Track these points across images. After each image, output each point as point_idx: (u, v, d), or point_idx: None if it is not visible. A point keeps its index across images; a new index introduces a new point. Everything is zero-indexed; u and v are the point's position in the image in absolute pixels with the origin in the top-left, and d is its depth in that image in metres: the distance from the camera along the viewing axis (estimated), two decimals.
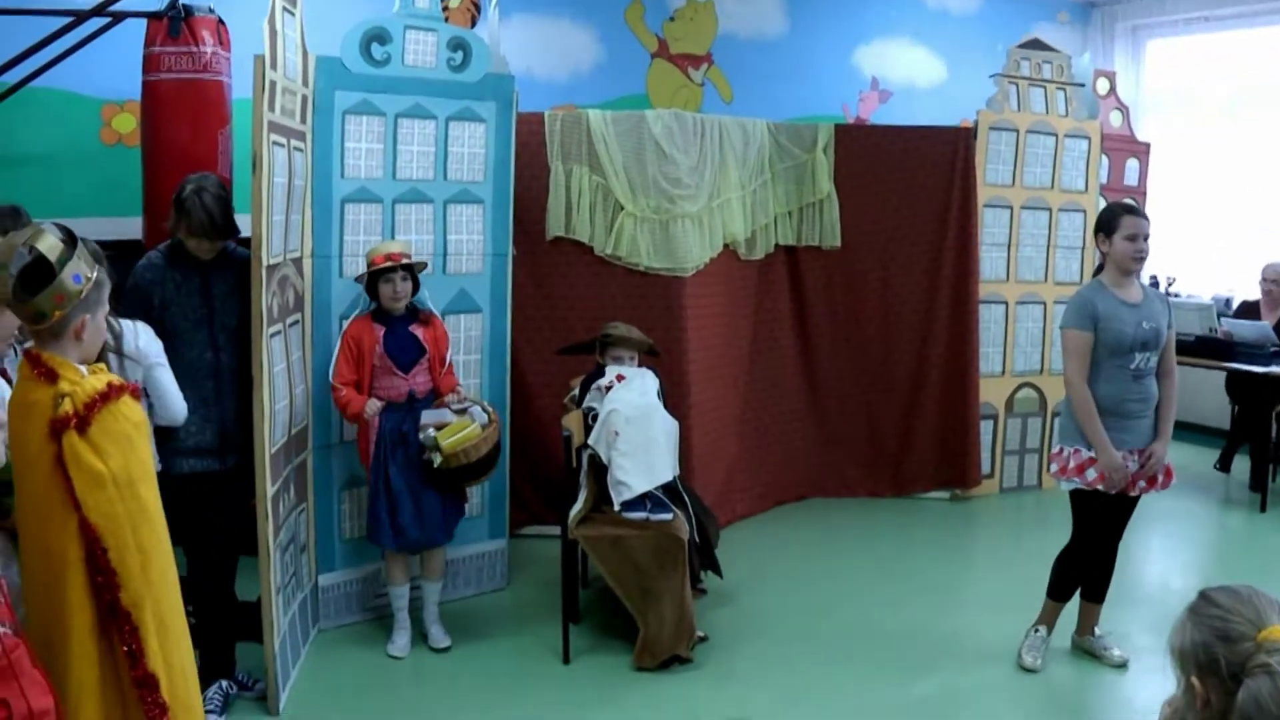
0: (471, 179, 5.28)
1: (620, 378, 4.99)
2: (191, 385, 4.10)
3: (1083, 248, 7.56)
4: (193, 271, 4.21)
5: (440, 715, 4.33)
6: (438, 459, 4.57)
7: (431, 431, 4.61)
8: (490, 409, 4.84)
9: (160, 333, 4.02)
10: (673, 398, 5.29)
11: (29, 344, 2.89)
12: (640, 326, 5.33)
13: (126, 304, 4.06)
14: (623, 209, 6.21)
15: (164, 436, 4.04)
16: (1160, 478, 4.60)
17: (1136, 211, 4.54)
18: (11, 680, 2.38)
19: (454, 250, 5.27)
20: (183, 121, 5.35)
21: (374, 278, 4.69)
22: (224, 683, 4.25)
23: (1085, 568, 4.75)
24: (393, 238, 5.02)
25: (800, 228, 7.06)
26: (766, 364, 7.05)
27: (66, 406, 2.64)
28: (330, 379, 4.68)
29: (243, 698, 4.32)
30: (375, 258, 4.67)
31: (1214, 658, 1.94)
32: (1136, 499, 4.65)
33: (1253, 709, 1.84)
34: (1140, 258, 4.49)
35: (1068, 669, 4.78)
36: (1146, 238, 4.47)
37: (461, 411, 4.75)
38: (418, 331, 4.79)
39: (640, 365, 5.17)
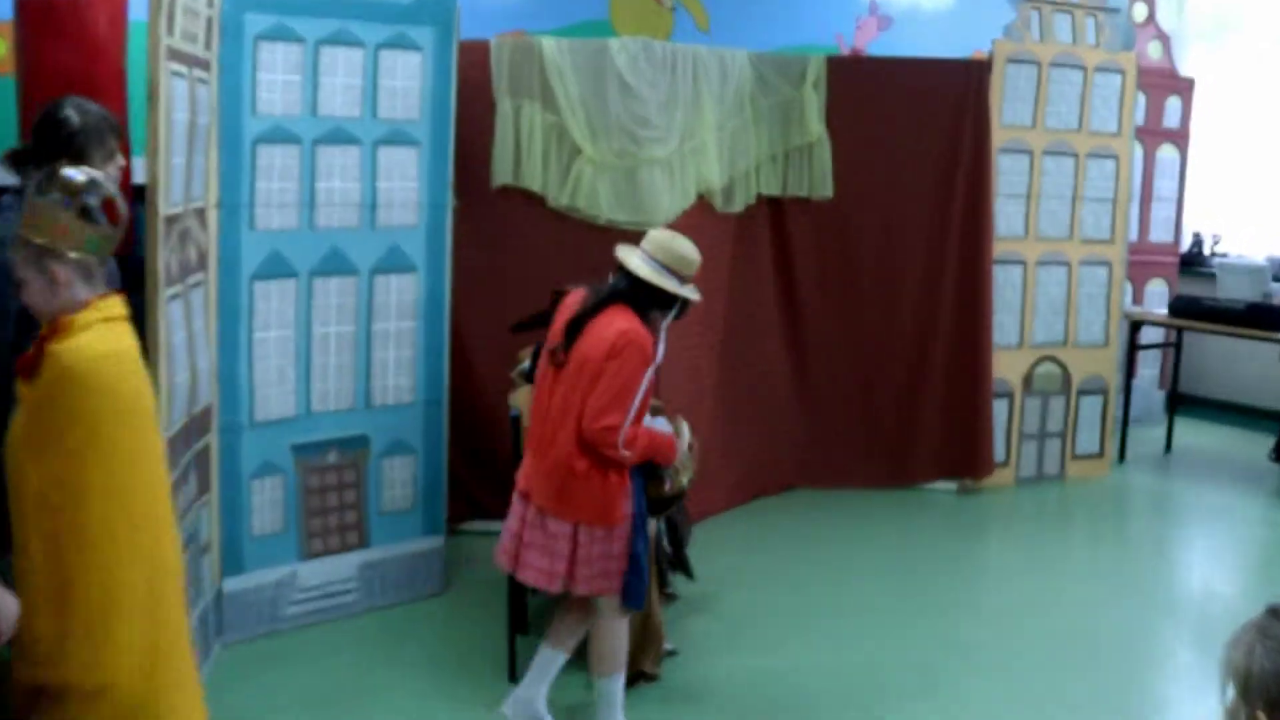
0: (405, 117, 5.28)
1: None
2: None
3: (1114, 200, 7.61)
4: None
5: None
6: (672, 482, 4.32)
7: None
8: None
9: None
10: None
11: None
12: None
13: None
14: (580, 153, 6.20)
15: None
16: None
17: None
18: None
19: (384, 200, 5.26)
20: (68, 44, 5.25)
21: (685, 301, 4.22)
22: None
23: None
24: (312, 184, 5.01)
25: (786, 176, 7.08)
26: (745, 334, 7.08)
27: None
28: (626, 419, 3.97)
29: None
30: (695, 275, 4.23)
31: None
32: None
33: None
34: None
35: (1099, 681, 4.87)
36: None
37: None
38: None
39: None
